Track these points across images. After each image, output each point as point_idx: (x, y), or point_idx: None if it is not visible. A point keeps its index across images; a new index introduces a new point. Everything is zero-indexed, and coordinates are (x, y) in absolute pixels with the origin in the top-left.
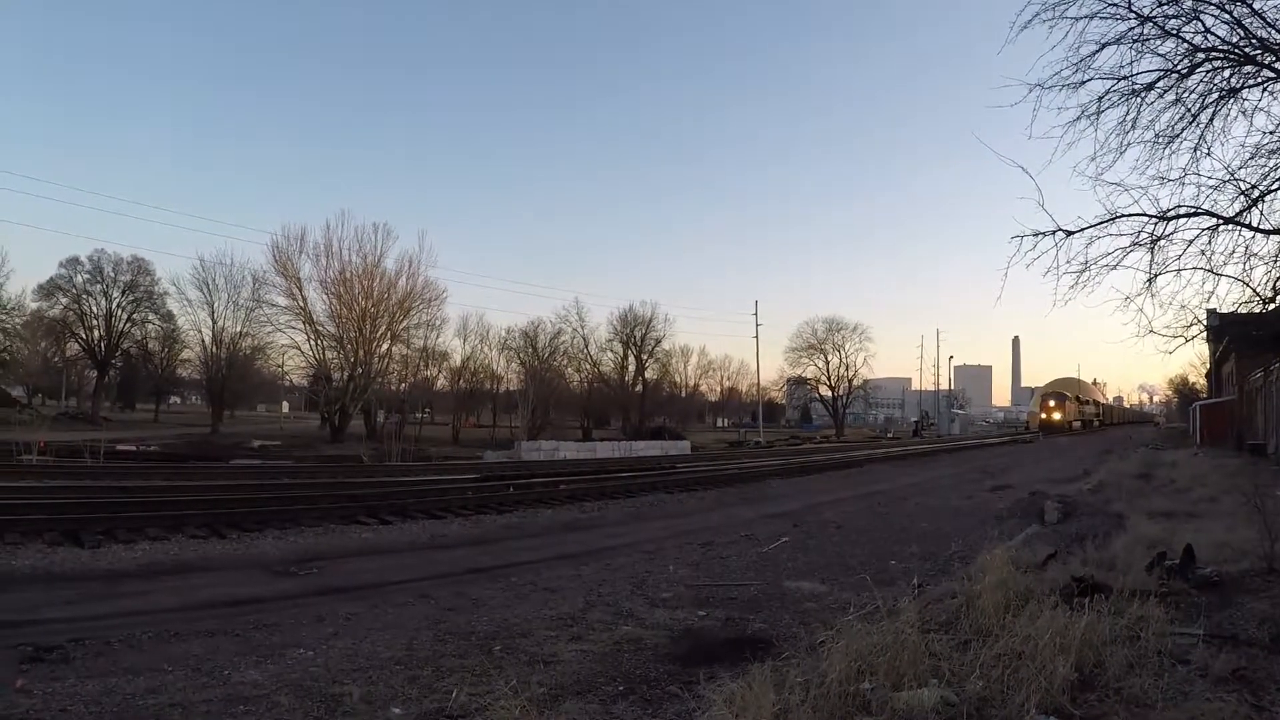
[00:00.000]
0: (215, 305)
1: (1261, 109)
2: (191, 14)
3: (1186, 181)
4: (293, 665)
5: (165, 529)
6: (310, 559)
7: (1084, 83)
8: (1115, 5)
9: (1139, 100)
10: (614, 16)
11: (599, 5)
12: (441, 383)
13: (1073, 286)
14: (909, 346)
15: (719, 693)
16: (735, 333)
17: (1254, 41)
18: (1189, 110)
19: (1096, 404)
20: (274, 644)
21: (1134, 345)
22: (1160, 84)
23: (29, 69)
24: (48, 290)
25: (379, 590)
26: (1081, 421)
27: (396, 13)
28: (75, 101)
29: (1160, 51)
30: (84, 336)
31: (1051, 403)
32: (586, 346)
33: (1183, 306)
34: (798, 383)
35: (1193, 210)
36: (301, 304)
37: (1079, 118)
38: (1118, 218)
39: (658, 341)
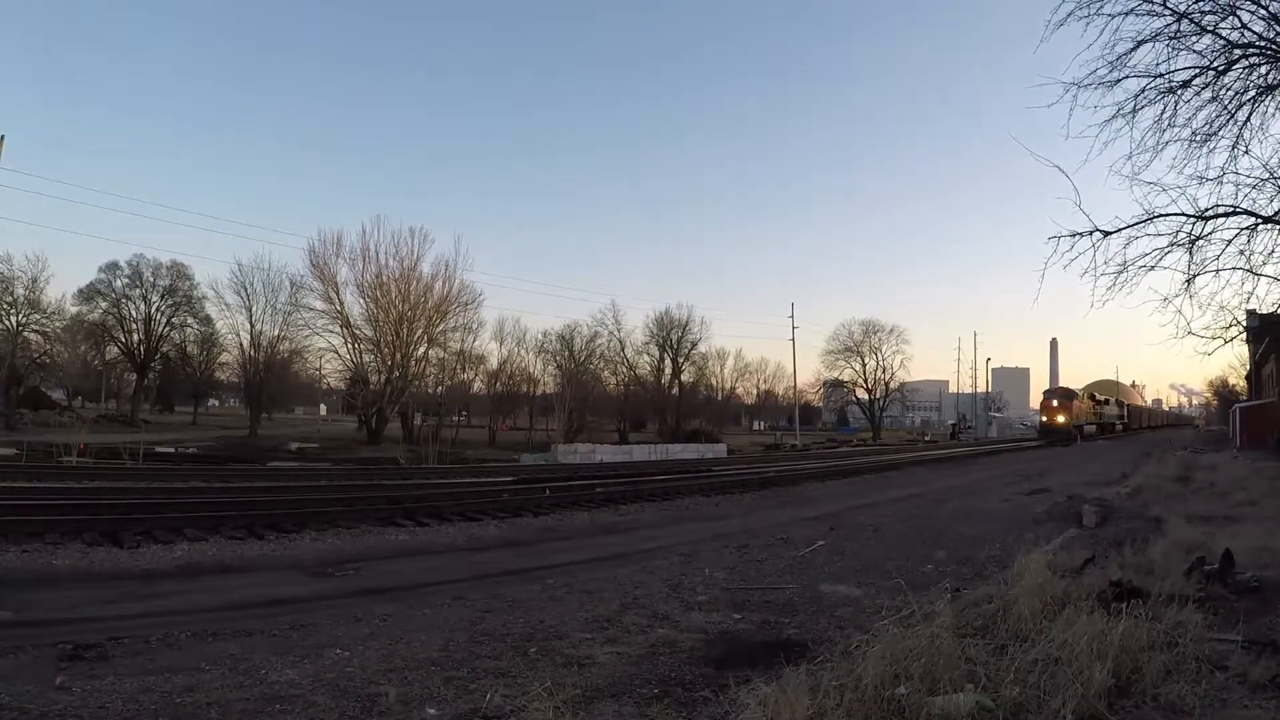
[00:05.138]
0: (253, 309)
1: None
2: (224, 19)
3: (1224, 180)
4: (329, 665)
5: (203, 530)
6: (347, 560)
7: (1119, 81)
8: (1151, 2)
9: (1175, 98)
10: (650, 22)
11: (636, 11)
12: (478, 386)
13: (1110, 287)
14: (946, 348)
15: (753, 696)
16: (772, 335)
17: None
18: (1226, 108)
19: (1120, 404)
20: (311, 644)
21: (1173, 347)
22: (1196, 81)
23: (67, 75)
24: (88, 294)
25: (415, 592)
26: (1098, 425)
27: (431, 18)
28: (113, 108)
29: (1196, 48)
30: (123, 340)
31: (1055, 403)
32: (623, 349)
33: (1222, 307)
34: (834, 385)
35: (1231, 209)
36: (338, 308)
37: (1115, 116)
38: (1155, 217)
39: (694, 344)
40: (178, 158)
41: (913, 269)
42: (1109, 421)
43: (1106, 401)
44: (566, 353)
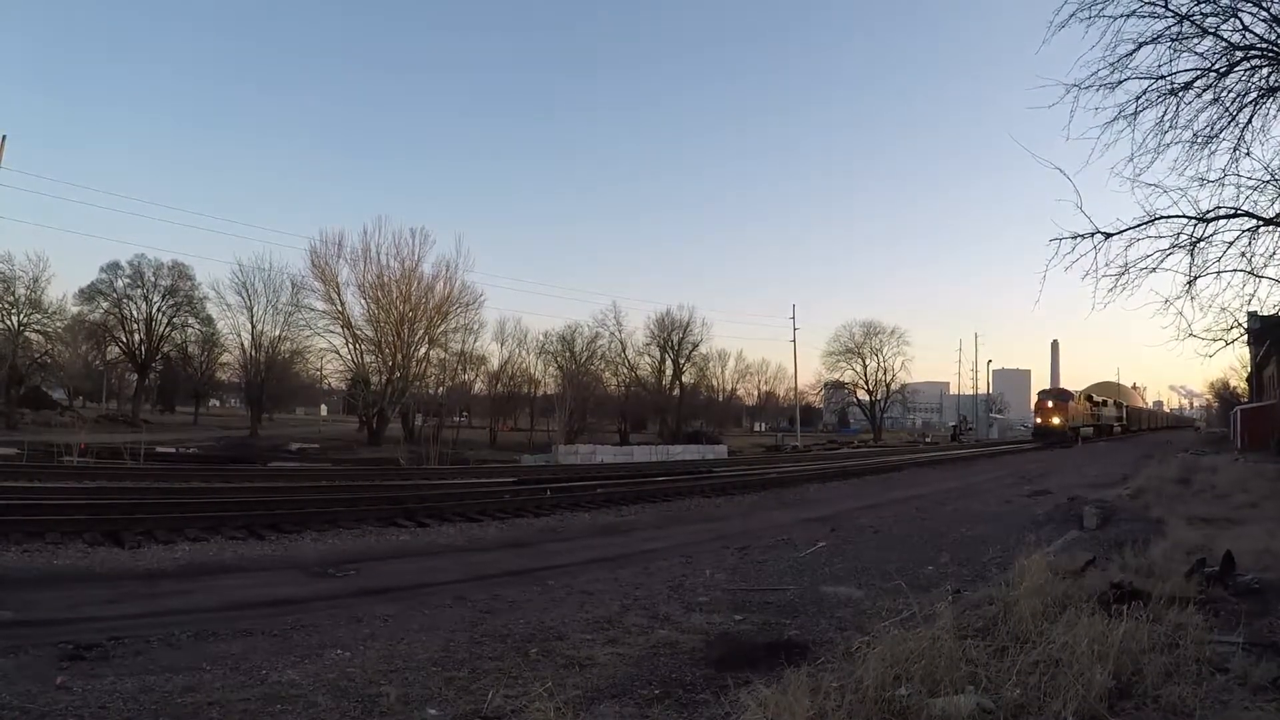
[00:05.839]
0: (254, 309)
1: None
2: (224, 19)
3: (1226, 182)
4: (330, 665)
5: (204, 530)
6: (348, 561)
7: (1121, 82)
8: (1153, 4)
9: (1176, 100)
10: (651, 22)
11: (636, 11)
12: (479, 386)
13: (1111, 289)
14: (947, 350)
15: (753, 697)
16: (773, 337)
17: None
18: (1227, 110)
19: (1119, 405)
20: (311, 644)
21: (1174, 349)
22: (1198, 83)
23: (67, 75)
24: (89, 294)
25: (416, 592)
26: (1095, 426)
27: (432, 18)
28: (113, 108)
29: (1198, 50)
30: (124, 340)
31: (1049, 404)
32: (624, 350)
33: (1223, 309)
34: (835, 387)
35: (1232, 211)
36: (339, 308)
37: (1116, 118)
38: (1156, 219)
39: (695, 345)
40: (178, 158)
41: (914, 270)
42: (1107, 423)
43: (1104, 403)
44: (567, 354)
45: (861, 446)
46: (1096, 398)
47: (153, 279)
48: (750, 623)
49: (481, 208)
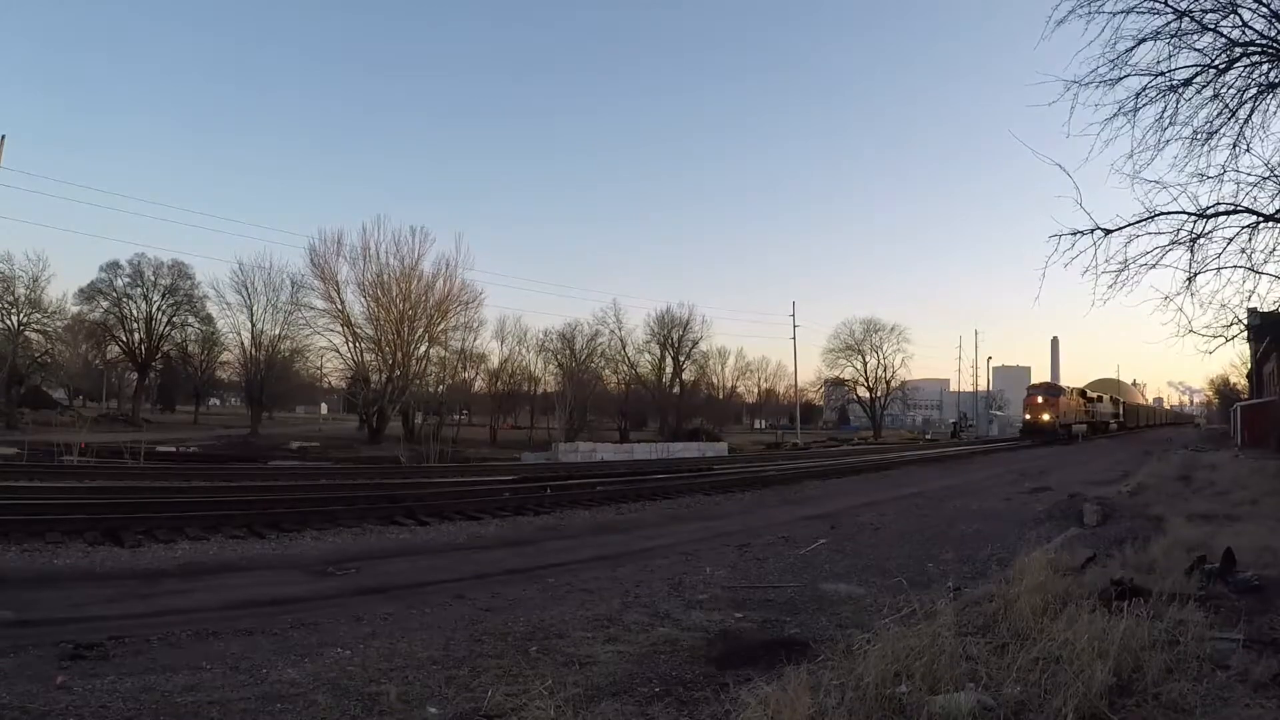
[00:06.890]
0: (254, 308)
1: None
2: (224, 19)
3: (1225, 179)
4: (330, 664)
5: (204, 529)
6: (348, 559)
7: (1120, 79)
8: None
9: (1176, 96)
10: (651, 22)
11: (637, 11)
12: (479, 385)
13: (1111, 286)
14: (947, 347)
15: (754, 695)
16: (773, 334)
17: None
18: (1227, 106)
19: (1115, 401)
20: (312, 643)
21: (1174, 345)
22: (1198, 79)
23: (67, 75)
24: (89, 294)
25: (416, 590)
26: (1090, 423)
27: (431, 18)
28: (113, 108)
29: (1197, 47)
30: (124, 339)
31: (1039, 399)
32: (624, 348)
33: (1223, 305)
34: (835, 384)
35: (1232, 208)
36: (339, 307)
37: (1116, 114)
38: (1156, 216)
39: (695, 343)
40: (178, 158)
41: (914, 267)
42: (1102, 420)
43: (1099, 398)
44: (568, 351)
45: (861, 444)
46: (1091, 393)
47: (152, 278)
48: (750, 620)
49: (481, 207)
